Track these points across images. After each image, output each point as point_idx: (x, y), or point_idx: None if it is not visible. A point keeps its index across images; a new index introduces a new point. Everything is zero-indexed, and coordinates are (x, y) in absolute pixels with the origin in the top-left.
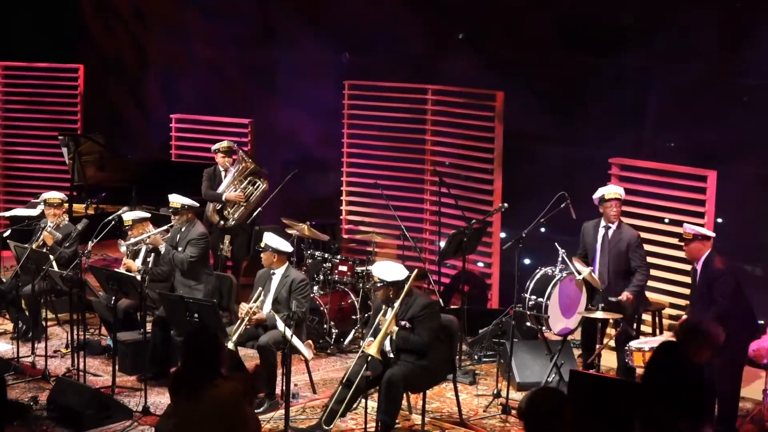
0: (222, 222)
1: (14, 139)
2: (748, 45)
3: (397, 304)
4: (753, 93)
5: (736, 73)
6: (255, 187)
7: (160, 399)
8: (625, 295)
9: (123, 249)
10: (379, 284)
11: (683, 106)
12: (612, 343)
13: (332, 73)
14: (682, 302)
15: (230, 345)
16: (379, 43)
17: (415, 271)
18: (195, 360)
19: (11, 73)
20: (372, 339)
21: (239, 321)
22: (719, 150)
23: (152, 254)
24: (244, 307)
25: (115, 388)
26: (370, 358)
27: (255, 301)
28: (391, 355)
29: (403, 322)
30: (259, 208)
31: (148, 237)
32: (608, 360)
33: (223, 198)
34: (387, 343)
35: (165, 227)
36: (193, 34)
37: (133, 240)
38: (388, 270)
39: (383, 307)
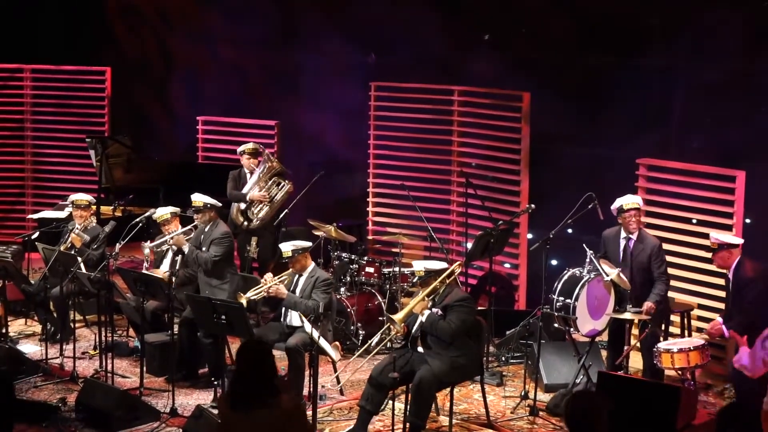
0: (246, 223)
1: (43, 142)
2: None
3: (429, 288)
4: None
5: (762, 72)
6: (279, 187)
7: (187, 400)
8: (647, 306)
9: (146, 251)
10: (424, 276)
11: (709, 105)
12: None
13: (358, 75)
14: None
15: (243, 301)
16: (405, 44)
17: (457, 263)
18: (253, 373)
19: (39, 76)
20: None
21: (260, 285)
22: (746, 149)
23: (179, 257)
24: (269, 276)
25: (143, 390)
26: (395, 354)
27: (281, 277)
28: (418, 335)
29: (435, 309)
30: (286, 210)
31: (171, 238)
32: (636, 361)
33: (248, 198)
34: (416, 326)
35: (188, 227)
36: (217, 36)
37: (156, 242)
38: (429, 263)
39: (420, 291)
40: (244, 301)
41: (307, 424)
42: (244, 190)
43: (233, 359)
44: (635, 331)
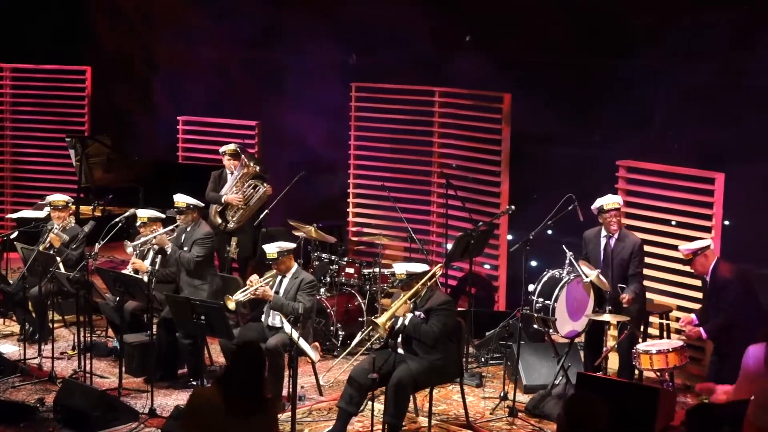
0: (224, 224)
1: (22, 141)
2: (758, 46)
3: (411, 291)
4: (762, 94)
5: (745, 75)
6: (255, 190)
7: (166, 401)
8: (625, 297)
9: (129, 250)
10: (406, 279)
11: (693, 107)
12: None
13: (339, 75)
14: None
15: (231, 305)
16: (387, 45)
17: (438, 266)
18: (252, 377)
19: (19, 75)
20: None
21: (246, 287)
22: (728, 151)
23: (159, 256)
24: (255, 278)
25: (122, 390)
26: (375, 354)
27: (266, 279)
28: (399, 339)
29: (417, 312)
30: (266, 210)
31: (154, 237)
32: (615, 362)
33: (223, 200)
34: (397, 328)
35: (170, 227)
36: (200, 36)
37: (139, 241)
38: (411, 266)
39: (401, 294)
40: (233, 304)
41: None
42: (222, 192)
43: (212, 360)
44: (614, 332)
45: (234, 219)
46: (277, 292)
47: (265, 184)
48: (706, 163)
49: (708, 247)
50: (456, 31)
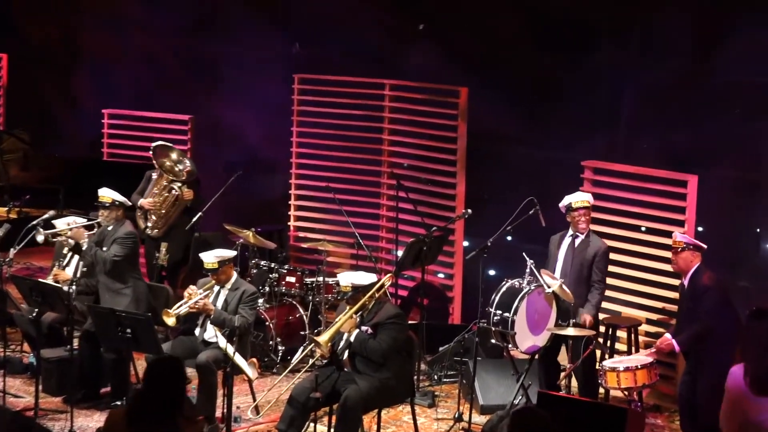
0: (146, 228)
1: None
2: (724, 46)
3: (357, 305)
4: (728, 94)
5: (711, 75)
6: (171, 193)
7: (87, 423)
8: (585, 319)
9: (40, 238)
10: (351, 292)
11: (658, 107)
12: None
13: (281, 67)
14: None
15: (171, 321)
16: (334, 35)
17: (388, 275)
18: (158, 392)
19: None
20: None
21: (185, 300)
22: (696, 153)
23: (81, 263)
24: (193, 289)
25: (38, 411)
26: (318, 372)
27: (205, 289)
28: (345, 356)
29: (365, 328)
30: (200, 213)
31: (70, 229)
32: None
33: (139, 204)
34: (342, 343)
35: (90, 223)
36: (129, 23)
37: (52, 230)
38: (357, 277)
39: (347, 307)
40: (172, 320)
41: None
42: (145, 194)
43: (139, 378)
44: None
45: (150, 225)
46: (214, 305)
47: (184, 188)
48: (672, 164)
49: (702, 248)
50: (409, 20)
